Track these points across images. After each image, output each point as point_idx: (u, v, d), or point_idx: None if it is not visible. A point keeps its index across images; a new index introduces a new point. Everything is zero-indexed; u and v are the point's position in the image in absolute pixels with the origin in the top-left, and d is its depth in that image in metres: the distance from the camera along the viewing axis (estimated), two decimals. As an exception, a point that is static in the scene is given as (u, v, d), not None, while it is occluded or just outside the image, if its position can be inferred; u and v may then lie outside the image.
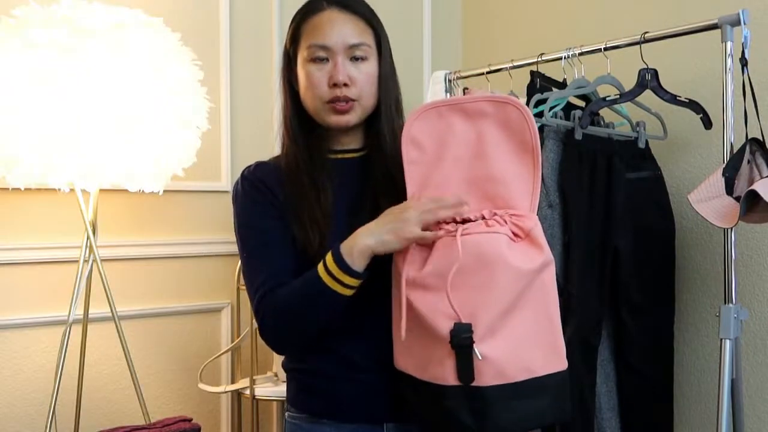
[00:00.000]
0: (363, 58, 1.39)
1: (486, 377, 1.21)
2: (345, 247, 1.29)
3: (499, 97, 1.30)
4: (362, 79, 1.39)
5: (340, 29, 1.38)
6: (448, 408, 1.24)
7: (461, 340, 1.21)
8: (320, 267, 1.30)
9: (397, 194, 1.34)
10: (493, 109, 1.29)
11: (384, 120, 1.43)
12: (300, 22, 1.43)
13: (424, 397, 1.29)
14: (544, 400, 1.25)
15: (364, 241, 1.27)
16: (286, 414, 1.51)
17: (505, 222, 1.24)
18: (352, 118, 1.41)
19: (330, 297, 1.29)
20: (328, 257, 1.29)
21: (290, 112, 1.47)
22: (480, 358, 1.20)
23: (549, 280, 1.26)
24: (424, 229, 1.26)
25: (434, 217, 1.25)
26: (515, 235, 1.24)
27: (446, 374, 1.23)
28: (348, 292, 1.29)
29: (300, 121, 1.46)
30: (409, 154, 1.33)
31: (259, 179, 1.44)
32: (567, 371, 1.29)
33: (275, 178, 1.44)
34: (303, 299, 1.33)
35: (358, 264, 1.28)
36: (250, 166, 1.49)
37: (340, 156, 1.46)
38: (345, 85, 1.38)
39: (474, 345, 1.20)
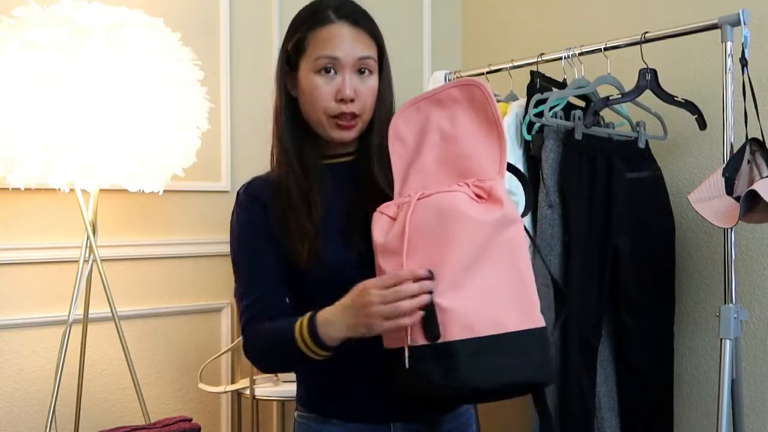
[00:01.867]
0: (369, 72, 1.42)
1: (453, 330, 1.22)
2: (321, 328, 1.29)
3: (464, 81, 1.38)
4: (366, 93, 1.41)
5: (350, 43, 1.39)
6: (420, 369, 1.24)
7: None
8: (297, 333, 1.31)
9: (384, 201, 1.37)
10: (461, 93, 1.37)
11: (375, 131, 1.44)
12: (306, 32, 1.41)
13: (401, 367, 1.27)
14: (519, 357, 1.24)
15: (339, 334, 1.29)
16: (295, 413, 1.51)
17: (467, 185, 1.29)
18: (354, 133, 1.43)
19: (306, 358, 1.32)
20: (305, 329, 1.30)
21: (283, 120, 1.46)
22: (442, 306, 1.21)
23: (517, 238, 1.27)
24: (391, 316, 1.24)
25: (395, 310, 1.23)
26: (478, 196, 1.28)
27: (415, 335, 1.24)
28: (323, 357, 1.32)
29: (293, 128, 1.45)
30: (394, 148, 1.40)
31: (253, 196, 1.45)
32: (545, 330, 1.28)
33: (269, 192, 1.44)
34: (280, 352, 1.37)
35: (334, 343, 1.30)
36: (245, 184, 1.49)
37: (333, 161, 1.47)
38: (351, 100, 1.39)
39: (433, 296, 1.21)
